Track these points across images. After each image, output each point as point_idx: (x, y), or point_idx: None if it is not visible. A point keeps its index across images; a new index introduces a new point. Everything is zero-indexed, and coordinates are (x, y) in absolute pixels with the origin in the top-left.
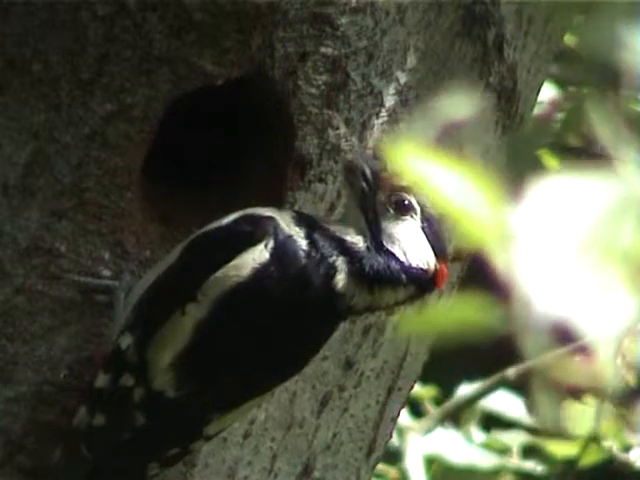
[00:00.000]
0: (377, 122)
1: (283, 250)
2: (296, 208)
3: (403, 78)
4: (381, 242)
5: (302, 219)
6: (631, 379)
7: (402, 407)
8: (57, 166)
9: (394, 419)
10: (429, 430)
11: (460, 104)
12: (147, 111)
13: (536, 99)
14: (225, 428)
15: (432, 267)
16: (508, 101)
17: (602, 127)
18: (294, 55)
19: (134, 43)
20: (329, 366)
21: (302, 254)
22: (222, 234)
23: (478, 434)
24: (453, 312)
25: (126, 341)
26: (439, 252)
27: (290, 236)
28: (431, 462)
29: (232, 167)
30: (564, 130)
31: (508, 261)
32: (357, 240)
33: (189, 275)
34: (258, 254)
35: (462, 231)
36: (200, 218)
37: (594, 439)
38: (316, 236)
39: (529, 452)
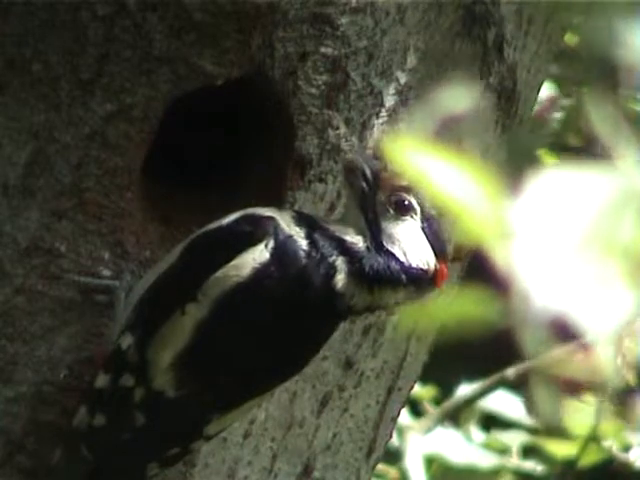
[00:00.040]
0: (377, 122)
1: (283, 250)
2: (296, 208)
3: (403, 78)
4: (381, 242)
5: (302, 219)
6: (631, 378)
7: (402, 407)
8: (57, 166)
9: (394, 419)
10: (429, 430)
11: (459, 97)
12: (147, 111)
13: (536, 99)
14: (225, 428)
15: (432, 267)
16: (508, 101)
17: (601, 125)
18: (294, 55)
19: (134, 43)
20: (329, 366)
21: (302, 254)
22: (222, 234)
23: (478, 434)
24: (453, 306)
25: (127, 341)
26: (439, 252)
27: (290, 236)
28: (431, 462)
29: (232, 167)
30: (564, 130)
31: (507, 255)
32: (357, 240)
33: (189, 275)
34: (258, 254)
35: (461, 226)
36: (200, 218)
37: (594, 439)
38: (316, 236)
39: (529, 452)
